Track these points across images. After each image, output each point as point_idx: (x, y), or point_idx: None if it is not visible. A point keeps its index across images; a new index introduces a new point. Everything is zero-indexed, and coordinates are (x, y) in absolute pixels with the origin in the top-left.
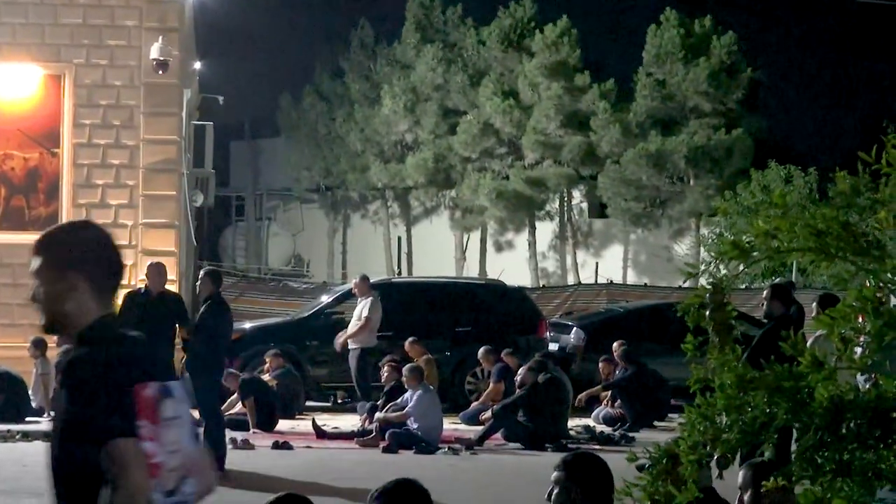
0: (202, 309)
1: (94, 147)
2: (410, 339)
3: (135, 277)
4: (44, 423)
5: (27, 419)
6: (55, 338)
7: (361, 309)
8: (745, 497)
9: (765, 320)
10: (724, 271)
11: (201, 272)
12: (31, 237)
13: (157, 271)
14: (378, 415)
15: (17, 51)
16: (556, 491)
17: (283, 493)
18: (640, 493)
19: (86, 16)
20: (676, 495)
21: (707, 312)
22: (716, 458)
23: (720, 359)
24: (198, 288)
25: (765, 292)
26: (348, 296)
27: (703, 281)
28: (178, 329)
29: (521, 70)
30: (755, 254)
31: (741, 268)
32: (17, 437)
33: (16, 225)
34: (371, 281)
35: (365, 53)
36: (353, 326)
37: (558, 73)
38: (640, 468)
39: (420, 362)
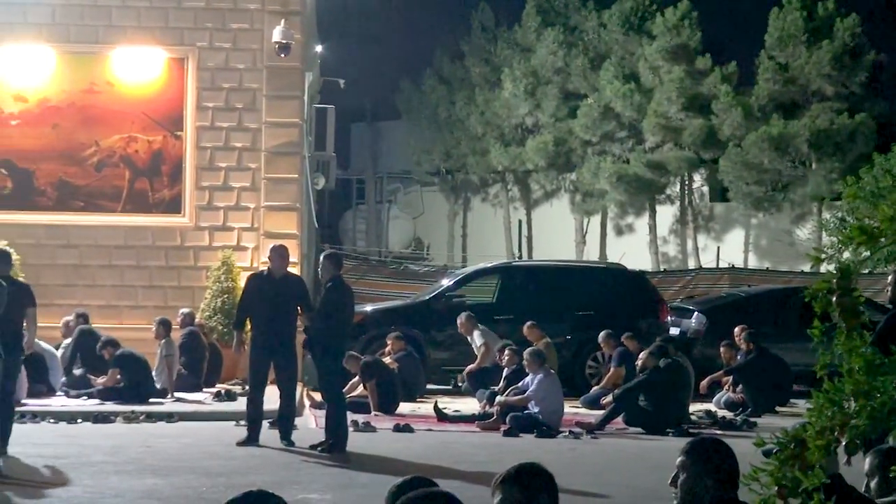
0: (324, 292)
1: (216, 130)
2: (529, 322)
3: (257, 260)
4: (167, 405)
5: (150, 400)
6: (178, 319)
7: (474, 342)
8: (872, 483)
9: (889, 305)
10: (847, 256)
11: (322, 255)
12: (155, 220)
13: (279, 254)
14: (499, 398)
15: (141, 34)
16: (682, 476)
17: (408, 477)
18: (766, 479)
19: None
20: (803, 481)
21: (834, 298)
22: (843, 443)
23: (848, 344)
24: (319, 271)
25: (889, 277)
26: (469, 279)
27: (827, 266)
28: (299, 311)
29: (642, 53)
30: (882, 239)
31: (866, 253)
32: (141, 417)
33: (140, 207)
34: (491, 265)
35: (485, 37)
36: (479, 358)
37: (679, 56)
38: (767, 453)
39: (539, 346)
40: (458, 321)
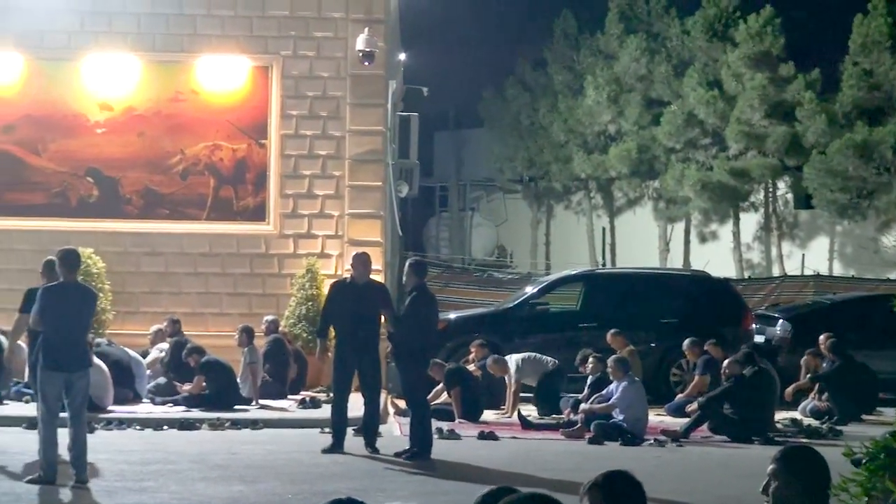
0: (408, 299)
1: (300, 138)
2: (612, 330)
3: (341, 267)
4: (252, 412)
5: (236, 407)
6: (263, 326)
7: (509, 379)
8: None
9: None
10: None
11: (406, 263)
12: (240, 227)
13: (362, 261)
14: (583, 406)
15: (225, 43)
16: (773, 484)
17: (494, 487)
18: (856, 489)
19: (293, 7)
20: (894, 491)
21: None
22: None
23: None
24: (403, 279)
25: None
26: (553, 286)
27: None
28: (382, 319)
29: (725, 60)
30: None
31: None
32: (227, 425)
33: (224, 215)
34: (575, 272)
35: (568, 44)
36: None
37: (762, 63)
38: (856, 463)
39: (623, 353)
40: (488, 364)
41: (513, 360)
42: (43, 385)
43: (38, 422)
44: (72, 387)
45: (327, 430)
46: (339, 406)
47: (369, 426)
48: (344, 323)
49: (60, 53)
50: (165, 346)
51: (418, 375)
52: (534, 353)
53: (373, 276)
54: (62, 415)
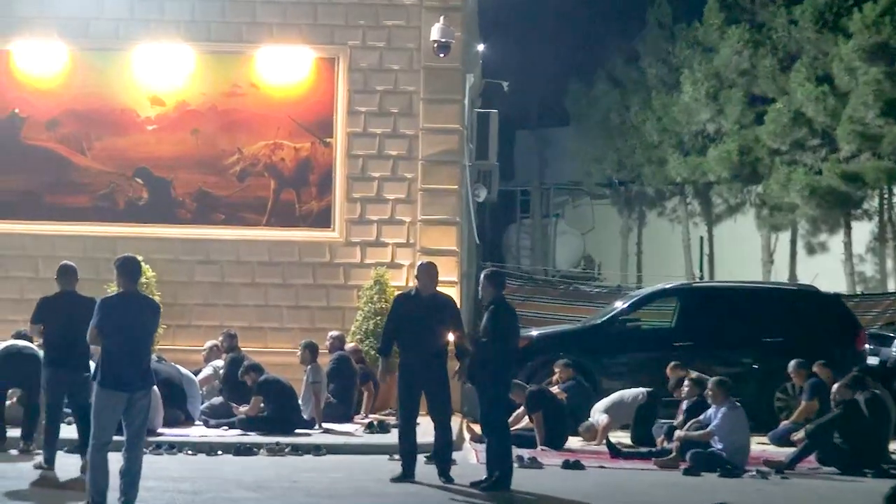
0: (487, 314)
1: (369, 136)
2: (673, 363)
3: (412, 279)
4: (315, 436)
5: (296, 431)
6: (327, 343)
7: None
8: None
9: None
10: None
11: (482, 275)
12: (302, 234)
13: (427, 272)
14: (678, 433)
15: (287, 32)
16: None
17: None
18: None
19: None
20: None
21: None
22: None
23: None
24: (479, 292)
25: None
26: (645, 301)
27: None
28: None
29: (837, 53)
30: None
31: None
32: (287, 450)
33: (285, 221)
34: (669, 286)
35: (663, 35)
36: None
37: (878, 55)
38: None
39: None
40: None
41: (601, 415)
42: (99, 405)
43: (89, 445)
44: (132, 407)
45: (396, 456)
46: (407, 431)
47: (442, 453)
48: (408, 339)
49: (108, 43)
50: (220, 363)
51: (498, 398)
52: (620, 395)
53: (443, 289)
54: (116, 438)
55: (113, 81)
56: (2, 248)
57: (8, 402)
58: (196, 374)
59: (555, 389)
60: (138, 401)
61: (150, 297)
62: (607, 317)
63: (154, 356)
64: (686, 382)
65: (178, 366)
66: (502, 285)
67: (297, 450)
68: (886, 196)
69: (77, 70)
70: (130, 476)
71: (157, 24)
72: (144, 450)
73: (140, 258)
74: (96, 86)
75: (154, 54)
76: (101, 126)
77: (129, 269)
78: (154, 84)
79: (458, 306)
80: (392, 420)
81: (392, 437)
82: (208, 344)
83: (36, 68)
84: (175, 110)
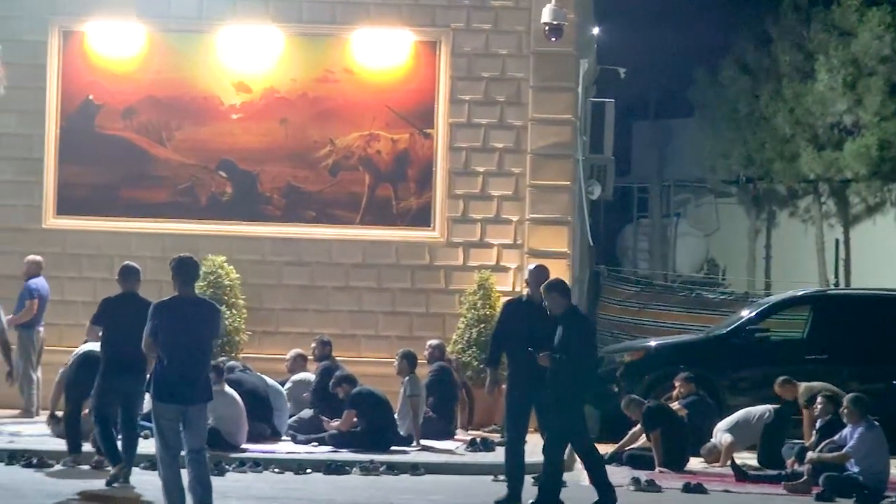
0: (567, 326)
1: (473, 127)
2: (782, 378)
3: (520, 283)
4: (412, 454)
5: (392, 448)
6: (426, 352)
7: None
8: None
9: None
10: None
11: (543, 286)
12: (400, 233)
13: (538, 276)
14: (810, 455)
15: (385, 13)
16: None
17: None
18: None
19: None
20: None
21: None
22: None
23: None
24: (544, 303)
25: None
26: (775, 309)
27: None
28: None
29: None
30: None
31: None
32: (381, 469)
33: (382, 219)
34: (802, 293)
35: (797, 17)
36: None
37: None
38: None
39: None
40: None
41: (724, 434)
42: (157, 419)
43: (158, 462)
44: (188, 422)
45: (501, 477)
46: (515, 449)
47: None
48: (519, 350)
49: (190, 24)
50: (307, 375)
51: (580, 415)
52: (745, 412)
53: None
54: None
55: (195, 66)
56: (75, 247)
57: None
58: (283, 384)
59: (674, 405)
60: (194, 414)
61: (208, 298)
62: (733, 326)
63: (239, 364)
64: (819, 399)
65: (264, 376)
66: (569, 294)
67: (393, 469)
68: None
69: (156, 53)
70: (200, 494)
71: (244, 3)
72: (227, 467)
73: (223, 258)
74: (177, 71)
75: (240, 36)
76: (182, 114)
77: (184, 270)
78: (239, 69)
79: None
80: (496, 437)
81: (497, 456)
82: (292, 353)
83: (112, 51)
84: (262, 98)
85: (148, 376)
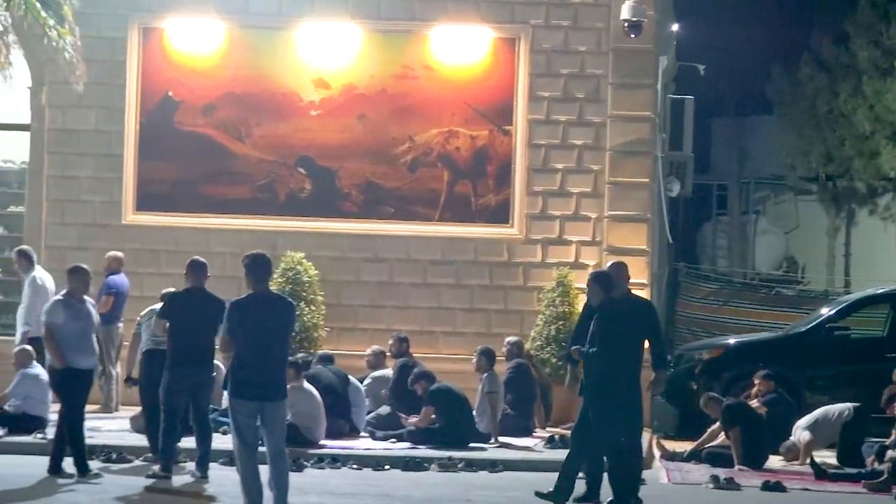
0: (593, 322)
1: (552, 124)
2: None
3: None
4: (490, 451)
5: (470, 445)
6: (504, 349)
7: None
8: None
9: None
10: None
11: (588, 276)
12: (478, 230)
13: (617, 273)
14: (890, 453)
15: (464, 9)
16: None
17: None
18: None
19: None
20: None
21: None
22: None
23: None
24: (586, 294)
25: None
26: (855, 307)
27: None
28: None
29: None
30: None
31: None
32: (460, 465)
33: (460, 216)
34: (882, 291)
35: (875, 13)
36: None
37: None
38: None
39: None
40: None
41: (803, 432)
42: (234, 416)
43: (235, 458)
44: (266, 420)
45: (580, 475)
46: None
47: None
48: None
49: (269, 20)
50: (386, 372)
51: (613, 408)
52: (824, 410)
53: (635, 291)
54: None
55: (274, 62)
56: (154, 243)
57: None
58: (361, 381)
59: (754, 403)
60: (271, 412)
61: (283, 294)
62: (812, 324)
63: (322, 354)
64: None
65: (342, 371)
66: (610, 286)
67: (471, 465)
68: None
69: (235, 50)
70: (278, 490)
71: (324, 0)
72: (305, 463)
73: (301, 255)
74: (256, 67)
75: (319, 33)
76: (261, 111)
77: (258, 267)
78: (318, 65)
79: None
80: None
81: None
82: (371, 349)
83: (191, 48)
84: (341, 94)
85: (225, 372)
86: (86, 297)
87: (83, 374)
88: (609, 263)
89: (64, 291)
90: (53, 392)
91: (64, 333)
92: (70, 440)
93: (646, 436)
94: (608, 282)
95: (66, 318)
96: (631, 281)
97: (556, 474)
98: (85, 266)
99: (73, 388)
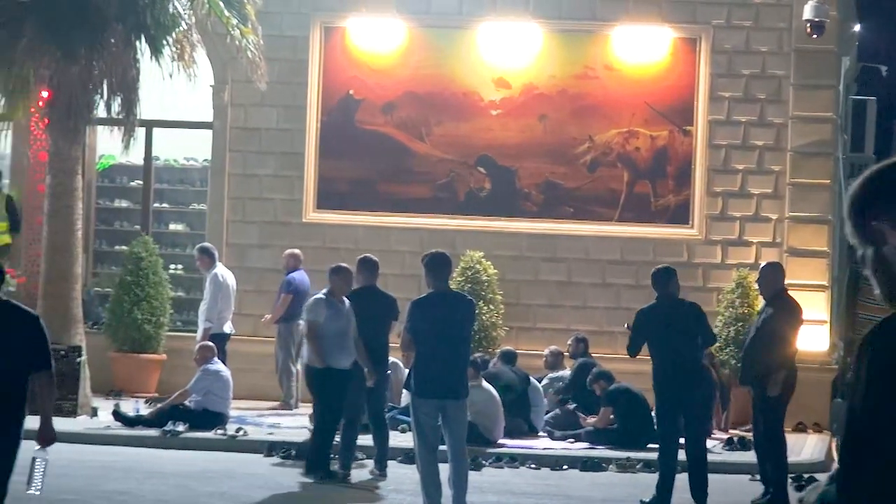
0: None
1: (733, 125)
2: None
3: None
4: None
5: (649, 446)
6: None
7: None
8: None
9: None
10: None
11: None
12: (657, 230)
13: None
14: None
15: (645, 9)
16: None
17: None
18: None
19: None
20: None
21: None
22: None
23: None
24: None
25: None
26: None
27: None
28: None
29: None
30: None
31: None
32: (638, 466)
33: (639, 216)
34: None
35: None
36: None
37: None
38: None
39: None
40: None
41: None
42: (416, 414)
43: (416, 457)
44: (447, 418)
45: (757, 477)
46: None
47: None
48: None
49: (450, 20)
50: (564, 372)
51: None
52: None
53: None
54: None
55: (454, 62)
56: (334, 241)
57: None
58: (539, 380)
59: None
60: (453, 411)
61: (463, 293)
62: None
63: (504, 351)
64: None
65: (525, 371)
66: (782, 275)
67: (650, 466)
68: None
69: (416, 49)
70: (457, 488)
71: (505, 0)
72: (483, 462)
73: (480, 254)
74: (436, 66)
75: (499, 32)
76: (442, 110)
77: (438, 266)
78: (499, 65)
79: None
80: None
81: (753, 455)
82: (549, 349)
83: (372, 47)
84: (521, 94)
85: (407, 371)
86: (345, 299)
87: (341, 374)
88: (764, 264)
89: (325, 290)
90: (309, 391)
91: (324, 332)
92: (317, 440)
93: (825, 438)
94: (781, 270)
95: (326, 317)
96: (811, 283)
97: (733, 476)
98: (347, 266)
99: (329, 387)
